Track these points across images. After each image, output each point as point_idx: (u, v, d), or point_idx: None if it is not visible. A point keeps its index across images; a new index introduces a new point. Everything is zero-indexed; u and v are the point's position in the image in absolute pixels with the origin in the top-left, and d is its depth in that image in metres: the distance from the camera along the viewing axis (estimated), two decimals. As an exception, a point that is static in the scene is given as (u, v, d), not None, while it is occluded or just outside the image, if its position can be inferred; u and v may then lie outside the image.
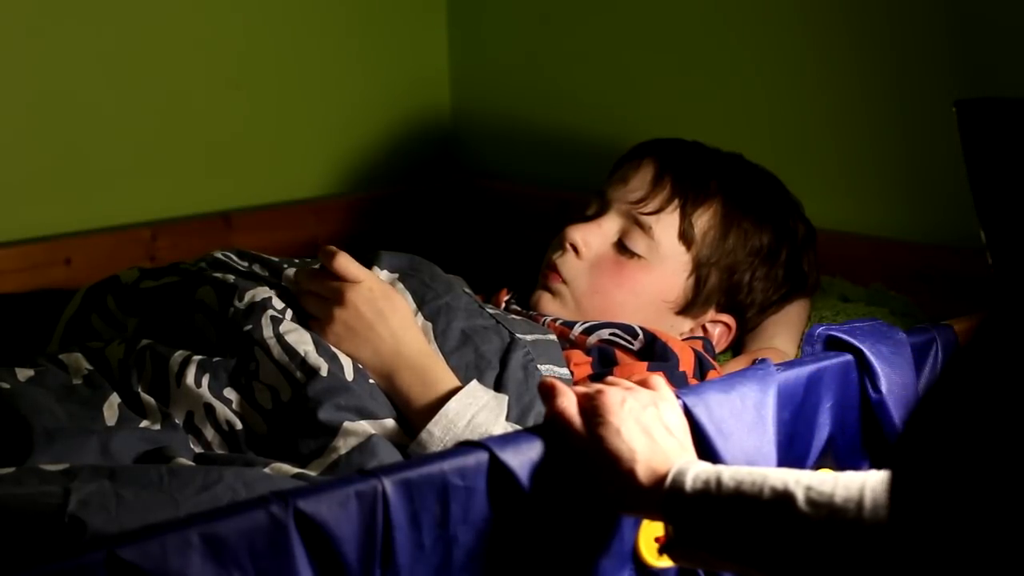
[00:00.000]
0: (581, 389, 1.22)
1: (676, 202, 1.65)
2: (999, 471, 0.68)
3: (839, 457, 1.38)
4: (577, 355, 1.55)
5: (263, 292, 1.47)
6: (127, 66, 2.05)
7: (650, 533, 1.23)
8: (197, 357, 1.42)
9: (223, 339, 1.44)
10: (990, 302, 1.64)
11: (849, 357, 1.40)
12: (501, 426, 1.35)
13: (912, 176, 1.82)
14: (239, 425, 1.39)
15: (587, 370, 1.54)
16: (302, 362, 1.39)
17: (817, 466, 1.36)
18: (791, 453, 1.33)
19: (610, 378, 1.29)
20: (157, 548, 0.99)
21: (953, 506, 0.69)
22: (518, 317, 1.60)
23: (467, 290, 1.59)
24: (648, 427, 1.18)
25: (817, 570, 1.06)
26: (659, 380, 1.26)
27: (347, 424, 1.35)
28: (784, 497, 1.07)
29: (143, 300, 1.54)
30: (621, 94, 2.13)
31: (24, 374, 1.43)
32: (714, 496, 1.11)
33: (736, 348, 1.72)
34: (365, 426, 1.35)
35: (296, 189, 2.23)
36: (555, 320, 1.62)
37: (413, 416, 1.39)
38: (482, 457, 1.16)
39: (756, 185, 1.70)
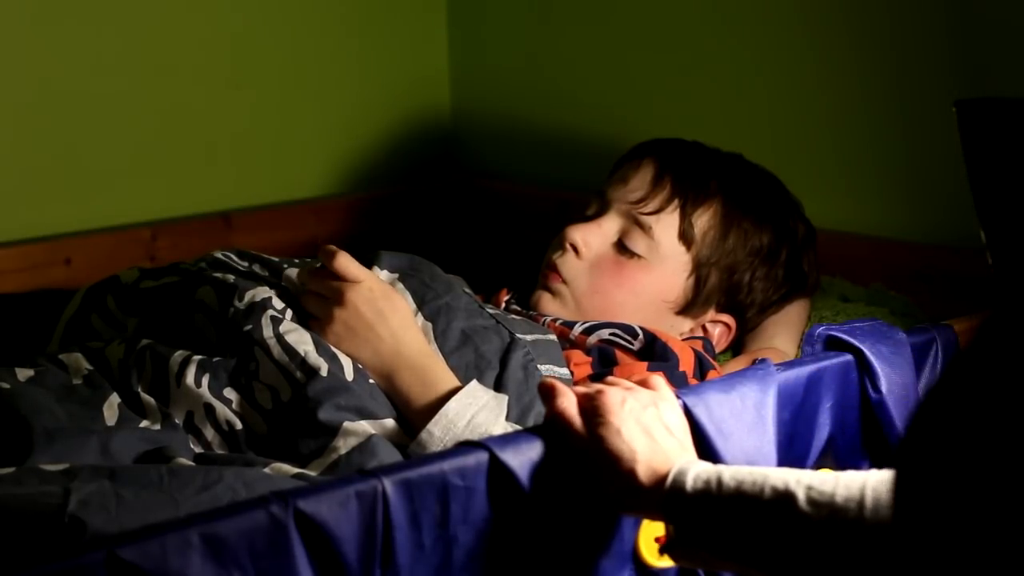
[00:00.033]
0: (581, 389, 1.22)
1: (676, 202, 1.65)
2: (1003, 471, 0.68)
3: (839, 457, 1.38)
4: (577, 355, 1.55)
5: (263, 292, 1.47)
6: (127, 66, 2.05)
7: (650, 533, 1.23)
8: (197, 357, 1.42)
9: (223, 339, 1.44)
10: (991, 302, 1.64)
11: (849, 357, 1.40)
12: (501, 426, 1.35)
13: (912, 176, 1.82)
14: (239, 425, 1.39)
15: (587, 370, 1.54)
16: (302, 362, 1.39)
17: (817, 466, 1.36)
18: (791, 453, 1.33)
19: (610, 378, 1.29)
20: (157, 548, 0.99)
21: (957, 506, 0.69)
22: (518, 317, 1.60)
23: (467, 290, 1.59)
24: (648, 427, 1.18)
25: (818, 570, 1.06)
26: (659, 380, 1.26)
27: (347, 424, 1.35)
28: (785, 497, 1.07)
29: (143, 300, 1.54)
30: (621, 94, 2.13)
31: (24, 374, 1.43)
32: (715, 496, 1.11)
33: (736, 348, 1.71)
34: (365, 426, 1.35)
35: (296, 189, 2.23)
36: (555, 320, 1.62)
37: (413, 416, 1.39)
38: (482, 457, 1.16)
39: (756, 185, 1.70)
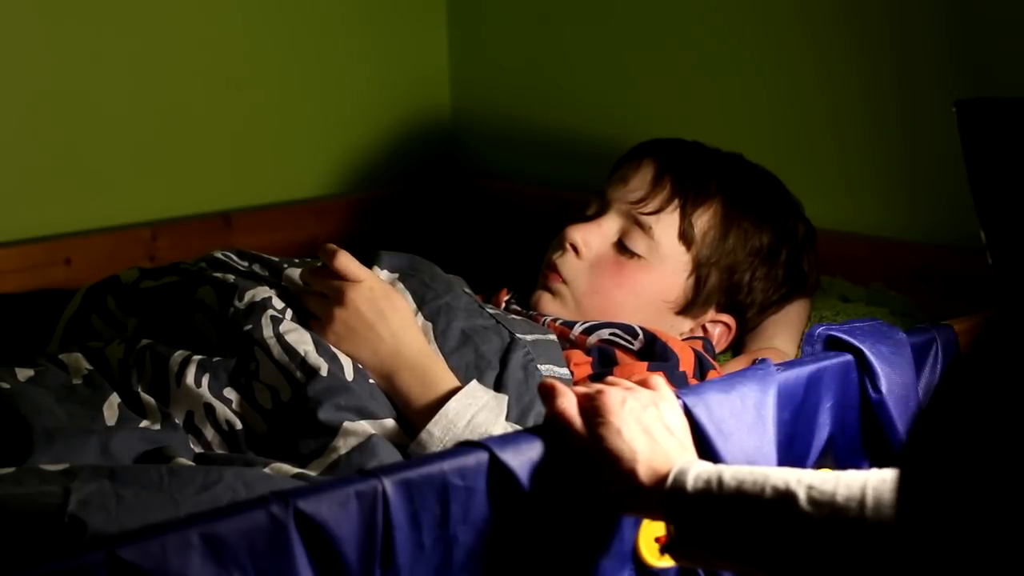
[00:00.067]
0: (581, 389, 1.22)
1: (676, 202, 1.65)
2: (1006, 472, 0.68)
3: (839, 457, 1.38)
4: (577, 355, 1.55)
5: (263, 292, 1.47)
6: (127, 66, 2.05)
7: (650, 533, 1.23)
8: (197, 357, 1.42)
9: (223, 339, 1.44)
10: (991, 302, 1.64)
11: (849, 357, 1.40)
12: (501, 426, 1.35)
13: (912, 176, 1.82)
14: (239, 425, 1.39)
15: (587, 370, 1.54)
16: (302, 362, 1.39)
17: (817, 466, 1.36)
18: (791, 453, 1.33)
19: (610, 378, 1.29)
20: (157, 548, 0.99)
21: (960, 507, 0.69)
22: (518, 317, 1.60)
23: (467, 290, 1.59)
24: (649, 427, 1.18)
25: (819, 569, 1.06)
26: (659, 380, 1.26)
27: (347, 424, 1.35)
28: (786, 496, 1.07)
29: (143, 300, 1.54)
30: (621, 94, 2.13)
31: (24, 374, 1.43)
32: (715, 496, 1.11)
33: (736, 348, 1.71)
34: (365, 426, 1.35)
35: (296, 189, 2.23)
36: (555, 320, 1.62)
37: (413, 416, 1.39)
38: (482, 457, 1.16)
39: (756, 185, 1.70)
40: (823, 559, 1.05)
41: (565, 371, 1.50)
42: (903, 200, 1.83)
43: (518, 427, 1.36)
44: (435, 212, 2.30)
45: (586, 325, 1.60)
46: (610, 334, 1.58)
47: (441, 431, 1.34)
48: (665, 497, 1.13)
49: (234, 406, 1.39)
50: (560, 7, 2.21)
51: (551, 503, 1.18)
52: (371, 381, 1.41)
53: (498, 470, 1.16)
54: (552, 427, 1.20)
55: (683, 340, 1.62)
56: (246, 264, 1.55)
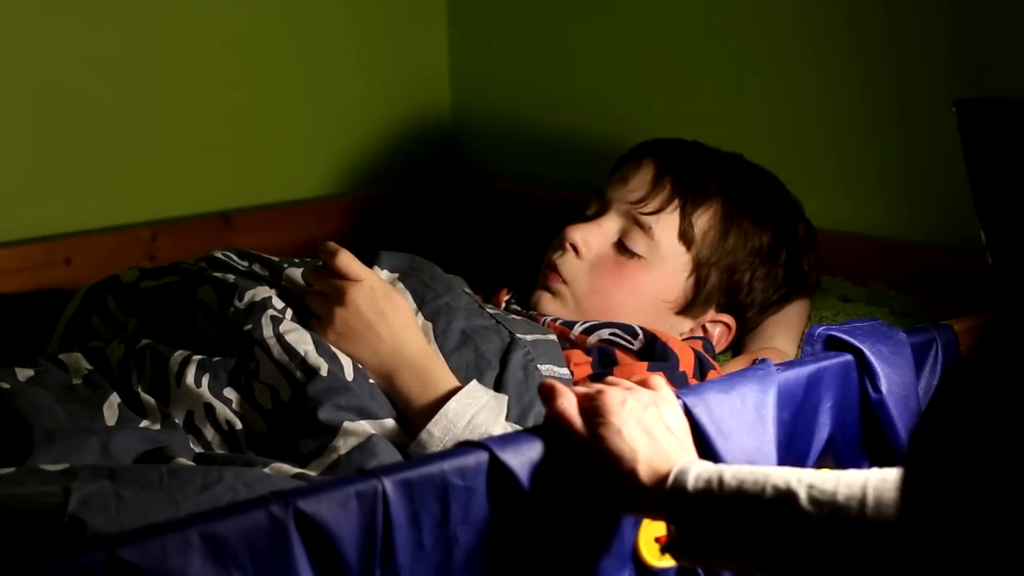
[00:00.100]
0: (581, 389, 1.22)
1: (676, 202, 1.65)
2: (1010, 472, 0.68)
3: (839, 457, 1.38)
4: (577, 355, 1.55)
5: (263, 292, 1.47)
6: (127, 66, 2.05)
7: (650, 533, 1.23)
8: (197, 357, 1.42)
9: (223, 339, 1.44)
10: (991, 302, 1.64)
11: (849, 357, 1.40)
12: (501, 426, 1.35)
13: (912, 176, 1.82)
14: (239, 425, 1.39)
15: (587, 370, 1.54)
16: (302, 362, 1.39)
17: (817, 466, 1.36)
18: (791, 453, 1.33)
19: (610, 378, 1.29)
20: (157, 548, 0.99)
21: (964, 506, 0.69)
22: (518, 317, 1.60)
23: (467, 290, 1.59)
24: (649, 427, 1.18)
25: (819, 568, 1.06)
26: (659, 380, 1.26)
27: (347, 424, 1.35)
28: (786, 496, 1.07)
29: (143, 300, 1.54)
30: (621, 94, 2.13)
31: (24, 374, 1.43)
32: (716, 495, 1.11)
33: (736, 348, 1.71)
34: (365, 426, 1.35)
35: (296, 189, 2.23)
36: (555, 320, 1.62)
37: (413, 416, 1.39)
38: (482, 457, 1.16)
39: (756, 185, 1.70)
40: (824, 558, 1.05)
41: (565, 371, 1.50)
42: (903, 200, 1.83)
43: (518, 427, 1.36)
44: (435, 212, 2.30)
45: (586, 325, 1.60)
46: (610, 334, 1.58)
47: (441, 431, 1.34)
48: (666, 497, 1.13)
49: (234, 406, 1.39)
50: (560, 7, 2.21)
51: (551, 503, 1.18)
52: (371, 381, 1.41)
53: (498, 470, 1.16)
54: (552, 427, 1.20)
55: (683, 340, 1.62)
56: (246, 264, 1.55)
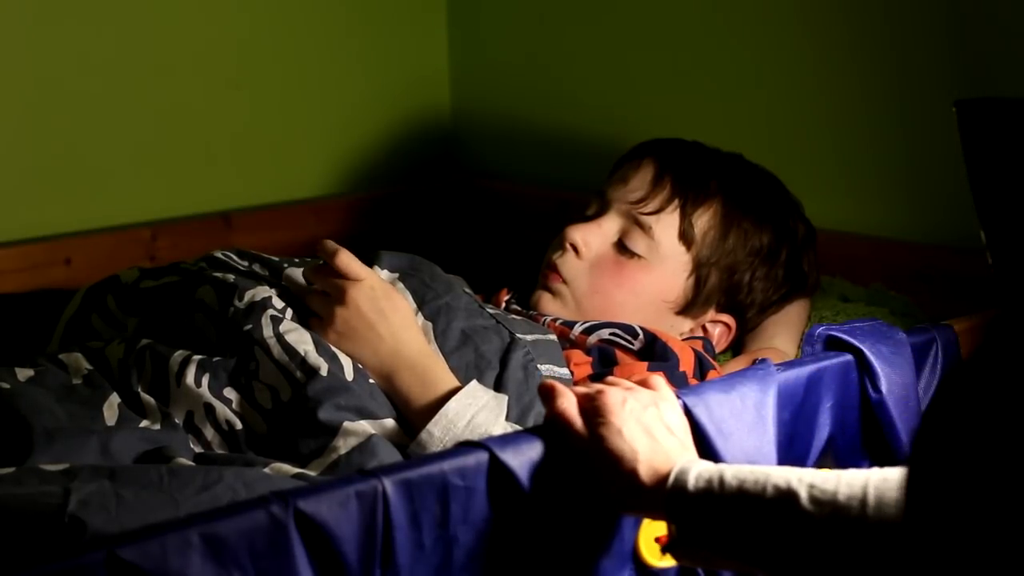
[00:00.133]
0: (581, 389, 1.22)
1: (676, 202, 1.65)
2: (1015, 471, 0.68)
3: (839, 457, 1.38)
4: (577, 355, 1.55)
5: (263, 291, 1.47)
6: (127, 66, 2.05)
7: (650, 533, 1.23)
8: (197, 357, 1.42)
9: (223, 339, 1.44)
10: (991, 302, 1.64)
11: (849, 357, 1.40)
12: (501, 426, 1.35)
13: (912, 176, 1.82)
14: (239, 425, 1.39)
15: (587, 370, 1.54)
16: (302, 362, 1.39)
17: (817, 466, 1.36)
18: (791, 453, 1.33)
19: (610, 378, 1.29)
20: (157, 548, 0.99)
21: (970, 506, 0.69)
22: (518, 317, 1.60)
23: (467, 290, 1.59)
24: (649, 427, 1.18)
25: (820, 568, 1.06)
26: (659, 380, 1.26)
27: (347, 424, 1.35)
28: (787, 495, 1.07)
29: (143, 300, 1.54)
30: (621, 94, 2.13)
31: (24, 374, 1.43)
32: (717, 495, 1.11)
33: (736, 348, 1.71)
34: (365, 426, 1.35)
35: (296, 189, 2.23)
36: (555, 320, 1.62)
37: (413, 416, 1.39)
38: (482, 457, 1.16)
39: (756, 185, 1.70)
40: (825, 558, 1.05)
41: (565, 371, 1.50)
42: (903, 200, 1.83)
43: (518, 427, 1.36)
44: (435, 212, 2.30)
45: (586, 325, 1.60)
46: (610, 334, 1.58)
47: (441, 431, 1.34)
48: (666, 497, 1.13)
49: (234, 406, 1.39)
50: (560, 7, 2.21)
51: (551, 503, 1.18)
52: (371, 381, 1.41)
53: (498, 470, 1.16)
54: (552, 427, 1.20)
55: (683, 340, 1.62)
56: (246, 264, 1.55)
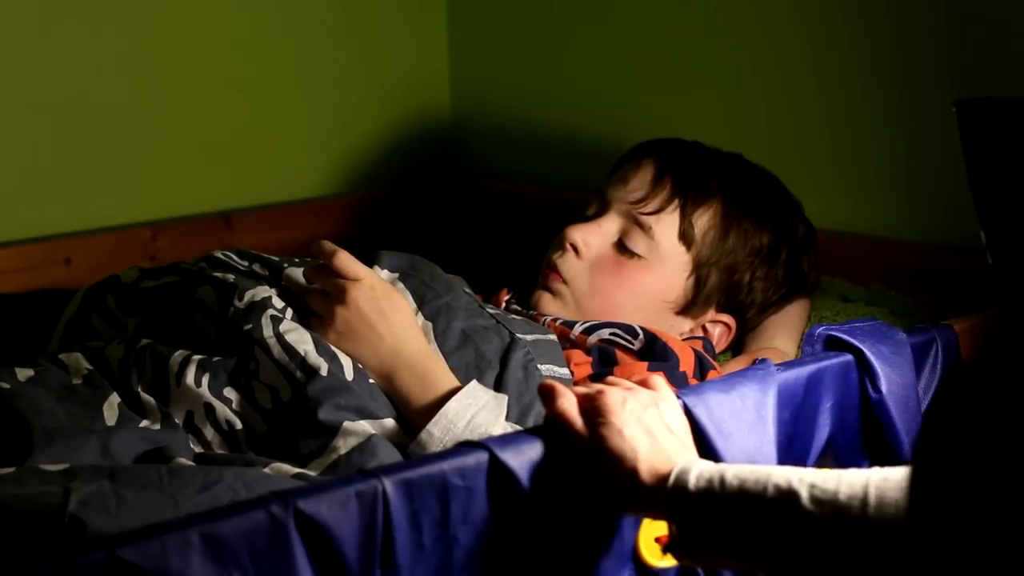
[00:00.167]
0: (581, 389, 1.22)
1: (676, 202, 1.65)
2: (1018, 471, 0.68)
3: (839, 457, 1.38)
4: (577, 355, 1.55)
5: (263, 291, 1.47)
6: (127, 66, 2.05)
7: (650, 533, 1.23)
8: (197, 357, 1.42)
9: (223, 339, 1.44)
10: (991, 302, 1.64)
11: (849, 357, 1.40)
12: (501, 426, 1.35)
13: (912, 176, 1.82)
14: (239, 425, 1.39)
15: (587, 370, 1.54)
16: (302, 362, 1.39)
17: (817, 466, 1.36)
18: (791, 453, 1.33)
19: (610, 378, 1.29)
20: (157, 548, 0.99)
21: (973, 505, 0.69)
22: (518, 317, 1.60)
23: (467, 290, 1.59)
24: (650, 427, 1.17)
25: (821, 567, 1.06)
26: (659, 380, 1.26)
27: (347, 424, 1.35)
28: (788, 495, 1.07)
29: (143, 300, 1.54)
30: (621, 94, 2.13)
31: (24, 374, 1.43)
32: (718, 495, 1.11)
33: (736, 348, 1.71)
34: (365, 426, 1.35)
35: (296, 189, 2.23)
36: (555, 320, 1.62)
37: (413, 416, 1.39)
38: (482, 457, 1.16)
39: (756, 185, 1.70)
40: (825, 557, 1.05)
41: (565, 371, 1.50)
42: (903, 200, 1.83)
43: (518, 427, 1.36)
44: (435, 212, 2.30)
45: (586, 325, 1.60)
46: (610, 334, 1.58)
47: (441, 431, 1.34)
48: (667, 497, 1.13)
49: (234, 406, 1.39)
50: (560, 7, 2.21)
51: (551, 503, 1.18)
52: (371, 381, 1.41)
53: (498, 470, 1.16)
54: (552, 427, 1.20)
55: (683, 340, 1.62)
56: (246, 264, 1.55)
